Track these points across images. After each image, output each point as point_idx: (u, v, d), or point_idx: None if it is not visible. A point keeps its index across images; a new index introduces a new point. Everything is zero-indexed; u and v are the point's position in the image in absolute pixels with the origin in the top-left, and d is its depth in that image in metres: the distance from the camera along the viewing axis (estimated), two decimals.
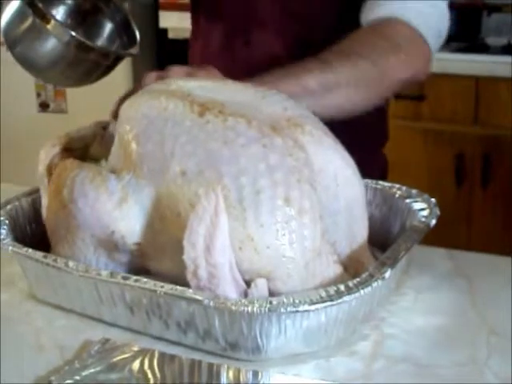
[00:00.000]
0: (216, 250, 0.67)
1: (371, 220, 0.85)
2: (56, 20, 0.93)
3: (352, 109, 0.97)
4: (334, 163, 0.76)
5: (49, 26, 0.90)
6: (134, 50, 0.99)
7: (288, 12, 1.10)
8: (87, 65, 0.95)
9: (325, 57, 0.94)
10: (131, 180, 0.75)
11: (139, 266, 0.77)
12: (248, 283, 0.68)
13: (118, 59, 0.97)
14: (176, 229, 0.70)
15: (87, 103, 2.96)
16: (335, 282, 0.70)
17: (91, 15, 1.02)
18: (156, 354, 0.67)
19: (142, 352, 0.67)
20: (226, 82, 0.84)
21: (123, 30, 1.03)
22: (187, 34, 3.01)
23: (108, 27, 1.03)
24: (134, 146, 0.76)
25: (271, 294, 0.68)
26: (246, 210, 0.68)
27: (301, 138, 0.74)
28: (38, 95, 3.09)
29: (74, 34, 0.90)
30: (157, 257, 0.75)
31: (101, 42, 1.02)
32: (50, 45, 0.91)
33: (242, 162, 0.70)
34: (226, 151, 0.71)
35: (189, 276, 0.67)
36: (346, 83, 0.94)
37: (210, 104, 0.75)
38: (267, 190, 0.69)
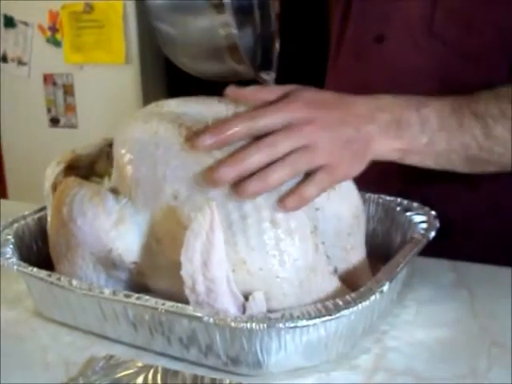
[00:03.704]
0: (213, 264, 0.67)
1: (373, 233, 0.87)
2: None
3: None
4: None
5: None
6: (272, 75, 0.90)
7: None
8: (215, 59, 0.85)
9: None
10: (128, 203, 0.76)
11: (138, 283, 0.78)
12: (246, 297, 0.69)
13: (246, 71, 0.86)
14: (172, 251, 0.71)
15: (97, 118, 2.99)
16: (333, 295, 0.71)
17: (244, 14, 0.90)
18: (159, 370, 0.68)
19: (146, 368, 0.68)
20: (214, 101, 0.81)
21: (263, 45, 0.93)
22: None
23: (251, 34, 0.93)
24: (128, 170, 0.77)
25: (270, 311, 0.69)
26: (235, 234, 0.69)
27: None
28: (49, 110, 3.13)
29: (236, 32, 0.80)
30: (154, 276, 0.76)
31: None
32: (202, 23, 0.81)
33: (227, 188, 0.70)
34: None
35: (187, 291, 0.68)
36: None
37: (197, 126, 0.74)
38: (253, 214, 0.69)
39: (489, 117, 0.79)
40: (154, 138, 0.76)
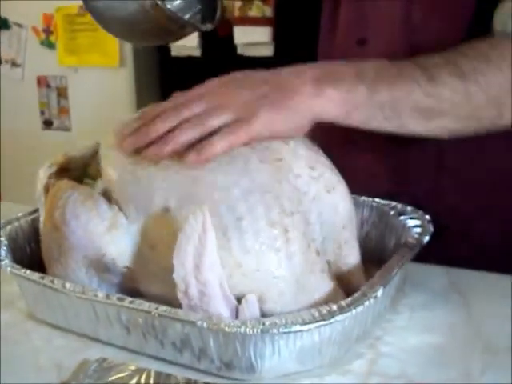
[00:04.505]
0: (205, 267, 0.67)
1: (367, 237, 0.87)
2: None
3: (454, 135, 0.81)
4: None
5: None
6: (208, 26, 0.91)
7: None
8: (154, 25, 0.87)
9: (437, 70, 0.76)
10: (119, 212, 0.76)
11: (130, 287, 0.77)
12: (239, 299, 0.69)
13: (187, 28, 0.90)
14: (167, 257, 0.70)
15: (91, 121, 2.98)
16: (328, 296, 0.71)
17: None
18: (152, 373, 0.68)
19: (139, 371, 0.68)
20: None
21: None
22: (189, 52, 3.02)
23: None
24: (116, 190, 0.77)
25: (264, 313, 0.69)
26: (230, 239, 0.69)
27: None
28: (42, 113, 3.12)
29: None
30: (147, 281, 0.76)
31: (178, 2, 0.93)
32: None
33: (217, 193, 0.71)
34: (197, 189, 0.71)
35: (180, 295, 0.68)
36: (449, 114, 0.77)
37: None
38: (247, 215, 0.69)
39: (431, 65, 0.76)
40: (131, 156, 0.76)
